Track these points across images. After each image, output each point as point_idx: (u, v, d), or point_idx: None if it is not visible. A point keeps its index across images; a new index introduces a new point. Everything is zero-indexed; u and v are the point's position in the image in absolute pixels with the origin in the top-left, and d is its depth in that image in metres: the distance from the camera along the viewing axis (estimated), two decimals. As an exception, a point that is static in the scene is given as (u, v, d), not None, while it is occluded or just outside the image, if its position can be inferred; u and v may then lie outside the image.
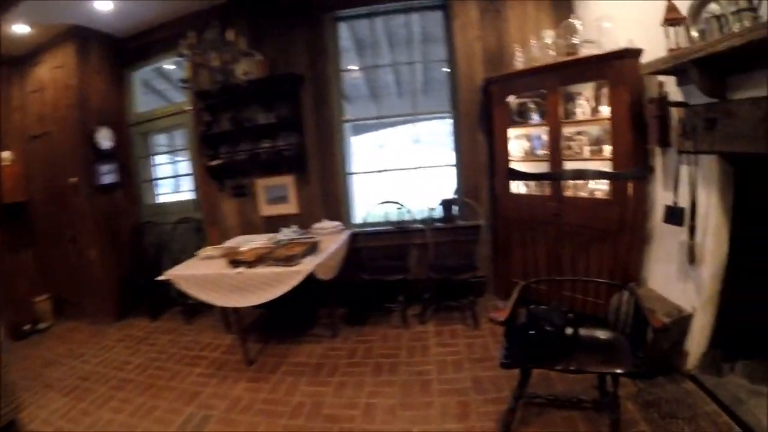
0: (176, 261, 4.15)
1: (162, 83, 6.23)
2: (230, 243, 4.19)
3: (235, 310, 3.57)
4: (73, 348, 4.54)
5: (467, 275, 3.85)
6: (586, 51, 3.50)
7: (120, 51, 5.24)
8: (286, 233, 4.06)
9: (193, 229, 4.96)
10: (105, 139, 5.00)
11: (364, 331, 3.93)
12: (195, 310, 4.66)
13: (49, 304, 5.54)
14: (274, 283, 3.27)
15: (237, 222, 4.77)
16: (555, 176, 3.02)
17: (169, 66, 5.39)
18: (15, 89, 5.44)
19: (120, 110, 5.36)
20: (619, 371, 1.98)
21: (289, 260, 3.34)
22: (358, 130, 4.71)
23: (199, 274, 3.41)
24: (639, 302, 2.07)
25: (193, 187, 5.08)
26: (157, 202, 5.52)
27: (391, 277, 3.91)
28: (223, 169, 4.65)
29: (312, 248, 3.59)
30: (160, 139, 5.67)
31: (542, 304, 2.35)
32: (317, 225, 4.26)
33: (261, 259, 3.39)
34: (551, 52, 3.76)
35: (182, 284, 3.45)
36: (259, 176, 4.61)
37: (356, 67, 5.22)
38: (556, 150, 3.58)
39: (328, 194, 4.53)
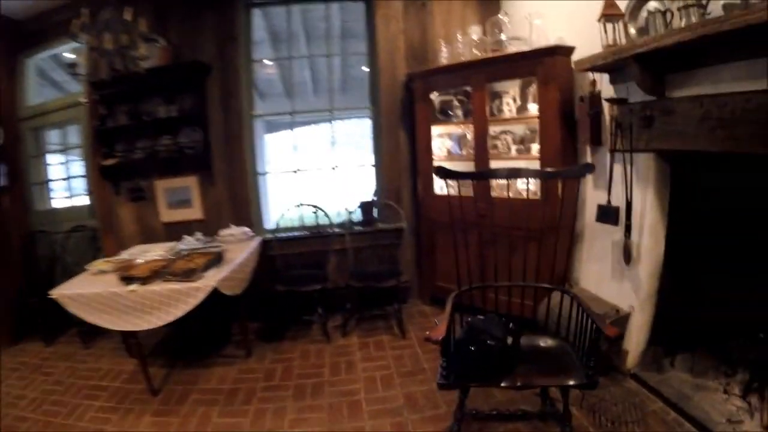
0: (70, 275, 3.66)
1: (60, 73, 5.63)
2: (126, 254, 3.70)
3: (133, 333, 3.11)
4: None
5: (391, 282, 3.60)
6: (514, 48, 3.42)
7: (14, 34, 4.62)
8: (189, 242, 3.67)
9: (89, 239, 4.44)
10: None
11: (281, 348, 3.62)
12: (94, 331, 3.98)
13: None
14: (172, 302, 2.86)
15: (135, 229, 4.29)
16: (489, 175, 2.82)
17: (67, 53, 4.79)
18: None
19: (10, 102, 4.72)
20: (571, 383, 1.81)
21: (188, 275, 2.93)
22: (272, 128, 4.41)
23: (88, 293, 2.93)
24: (584, 307, 1.90)
25: (87, 190, 4.56)
26: (50, 207, 4.94)
27: (308, 288, 3.59)
28: (119, 170, 4.17)
29: (216, 259, 3.23)
30: (53, 136, 5.08)
31: (476, 310, 2.17)
32: (224, 232, 3.89)
33: (157, 273, 2.97)
34: (476, 51, 3.64)
35: (70, 305, 2.98)
36: (159, 177, 4.17)
37: (270, 60, 4.82)
38: (482, 149, 3.49)
39: (237, 197, 4.16)
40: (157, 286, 2.90)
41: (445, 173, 2.34)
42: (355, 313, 3.91)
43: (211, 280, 2.92)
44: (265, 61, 4.76)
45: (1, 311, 4.56)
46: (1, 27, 4.64)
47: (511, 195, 3.12)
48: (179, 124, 4.02)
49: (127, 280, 2.93)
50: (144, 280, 2.92)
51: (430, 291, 4.03)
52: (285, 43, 4.68)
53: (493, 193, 3.53)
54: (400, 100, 4.04)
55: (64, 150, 5.03)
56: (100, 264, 3.41)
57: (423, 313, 4.06)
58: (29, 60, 4.86)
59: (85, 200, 4.63)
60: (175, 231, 4.11)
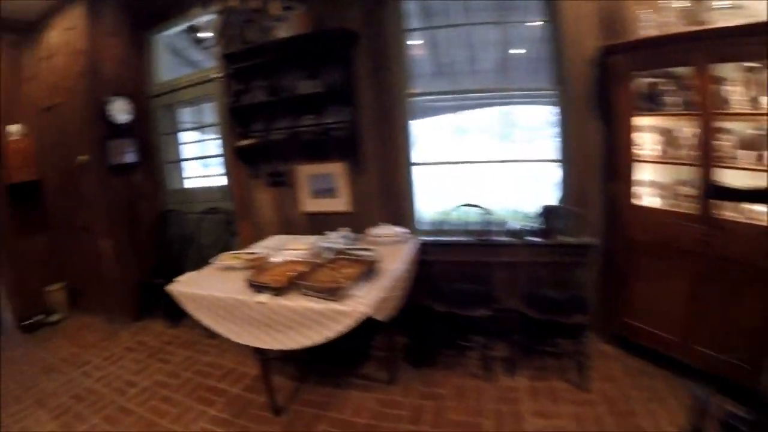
0: (203, 258, 3.56)
1: (192, 50, 5.52)
2: (260, 247, 3.43)
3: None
4: (78, 352, 4.18)
5: (577, 317, 2.82)
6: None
7: (142, 9, 4.58)
8: (333, 239, 3.24)
9: (223, 222, 4.33)
10: (120, 111, 4.44)
11: (432, 379, 3.10)
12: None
13: (64, 295, 5.25)
14: (310, 324, 2.35)
15: (273, 217, 4.07)
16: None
17: (197, 24, 4.62)
18: (27, 57, 5.04)
19: (139, 79, 4.76)
20: None
21: (333, 293, 2.33)
22: (421, 113, 3.82)
23: (209, 295, 2.57)
24: None
25: (223, 171, 4.38)
26: (182, 187, 4.94)
27: (472, 312, 2.95)
28: (257, 151, 3.94)
29: (369, 270, 2.64)
30: (187, 114, 4.97)
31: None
32: (376, 230, 3.40)
33: (293, 284, 2.47)
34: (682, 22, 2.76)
35: (187, 305, 2.69)
36: (301, 161, 3.85)
37: (421, 30, 3.84)
38: (707, 151, 2.60)
39: (389, 189, 3.67)
40: (293, 302, 2.38)
41: (723, 192, 1.69)
42: (524, 347, 3.26)
43: (362, 303, 2.30)
44: (415, 40, 3.82)
45: (128, 286, 4.72)
46: (125, 2, 4.60)
47: (741, 218, 2.46)
48: (324, 102, 3.59)
49: (257, 287, 2.50)
50: (277, 291, 2.42)
51: (615, 327, 3.22)
52: (439, 15, 3.82)
53: (718, 214, 2.63)
54: (590, 81, 3.17)
55: (198, 128, 4.92)
56: (228, 258, 3.08)
57: (604, 354, 3.23)
58: (158, 36, 4.76)
59: (220, 181, 4.46)
60: (316, 222, 3.84)
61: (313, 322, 2.30)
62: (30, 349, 4.46)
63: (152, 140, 4.88)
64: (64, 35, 4.53)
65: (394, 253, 3.04)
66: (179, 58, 5.15)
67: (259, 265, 2.83)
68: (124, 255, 4.62)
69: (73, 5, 4.37)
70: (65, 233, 5.07)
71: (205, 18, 4.23)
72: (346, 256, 2.83)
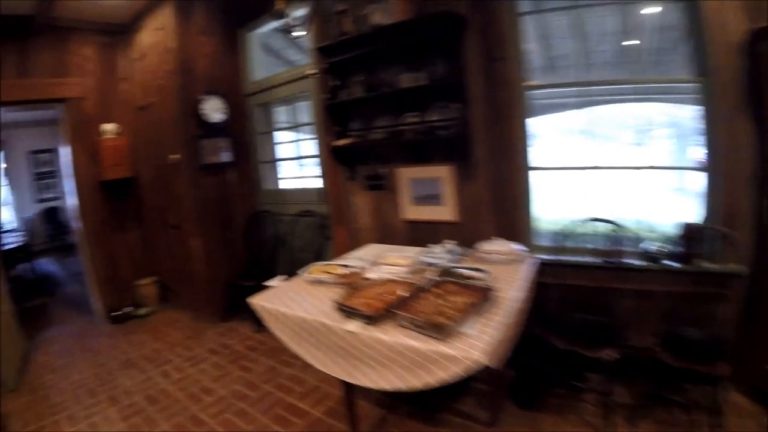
0: (294, 262, 3.64)
1: (288, 48, 5.64)
2: (354, 259, 3.21)
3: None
4: (161, 350, 4.47)
5: (721, 368, 2.42)
6: None
7: (233, 8, 4.83)
8: (438, 254, 3.01)
9: (317, 226, 4.39)
10: (214, 110, 4.61)
11: (539, 424, 2.82)
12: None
13: (154, 289, 5.71)
14: (408, 365, 1.99)
15: (370, 224, 4.03)
16: None
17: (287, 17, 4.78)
18: (121, 58, 5.50)
19: (233, 78, 4.97)
20: None
21: (440, 330, 1.95)
22: (542, 110, 3.45)
23: (294, 315, 2.40)
24: None
25: (319, 172, 4.43)
26: (277, 187, 5.11)
27: (598, 353, 2.62)
28: (355, 152, 3.92)
29: (483, 300, 2.23)
30: (283, 113, 5.10)
31: None
32: (487, 246, 3.06)
33: (391, 312, 2.17)
34: None
35: (270, 323, 2.56)
36: (402, 164, 3.75)
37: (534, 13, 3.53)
38: None
39: (503, 197, 3.37)
40: (389, 336, 2.04)
41: None
42: (649, 394, 2.91)
43: (476, 348, 1.87)
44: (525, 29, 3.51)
45: (217, 286, 4.98)
46: (218, 1, 4.81)
47: None
48: (428, 98, 3.44)
49: (347, 312, 2.23)
50: (370, 320, 2.14)
51: (756, 377, 2.77)
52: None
53: None
54: (737, 73, 2.70)
55: (293, 127, 4.97)
56: (318, 271, 2.89)
57: (738, 409, 2.75)
58: (252, 33, 4.94)
59: (316, 183, 4.52)
60: (418, 232, 3.73)
61: (412, 363, 1.98)
62: (114, 341, 4.87)
63: (247, 139, 5.05)
64: (154, 35, 4.80)
65: (509, 275, 2.67)
66: (273, 56, 5.34)
67: (351, 283, 2.61)
68: (214, 254, 4.86)
69: (161, 5, 4.61)
70: (157, 230, 5.46)
71: (295, 11, 4.31)
72: (455, 279, 2.52)
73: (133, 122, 5.54)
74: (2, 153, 10.79)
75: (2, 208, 10.71)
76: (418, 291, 2.38)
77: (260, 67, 5.05)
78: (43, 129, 8.76)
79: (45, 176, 11.34)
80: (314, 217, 4.44)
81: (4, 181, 11.04)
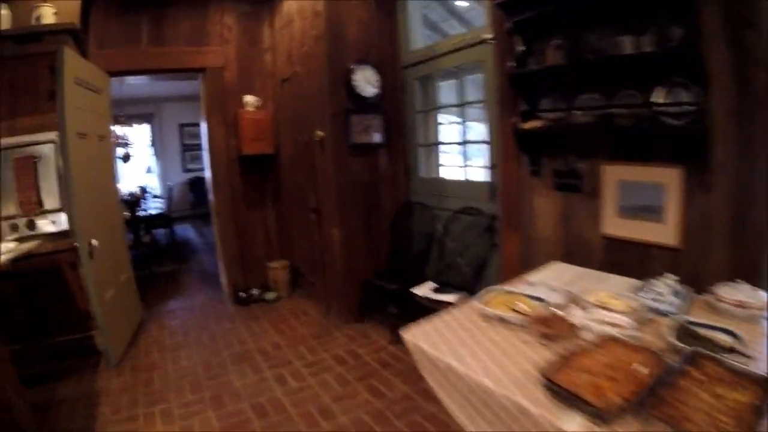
0: (448, 268, 2.95)
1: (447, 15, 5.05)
2: (544, 281, 2.41)
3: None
4: (282, 346, 4.06)
5: None
6: None
7: None
8: (664, 297, 2.06)
9: (481, 227, 3.61)
10: (366, 82, 4.05)
11: None
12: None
13: (285, 274, 5.36)
14: None
15: (555, 234, 3.13)
16: None
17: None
18: (265, 28, 5.24)
19: (388, 46, 4.37)
20: None
21: None
22: None
23: (470, 376, 1.61)
24: None
25: (489, 162, 3.63)
26: (435, 176, 4.39)
27: None
28: (544, 138, 3.04)
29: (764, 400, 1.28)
30: (447, 88, 4.31)
31: None
32: (727, 292, 2.00)
33: (637, 408, 1.27)
34: None
35: (427, 370, 1.88)
36: (609, 159, 2.80)
37: None
38: None
39: (749, 221, 2.31)
40: None
41: None
42: None
43: None
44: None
45: (354, 281, 4.40)
46: None
47: None
48: (655, 71, 2.47)
49: (564, 396, 1.37)
50: (602, 418, 1.26)
51: None
52: None
53: None
54: None
55: (459, 105, 4.15)
56: (498, 303, 2.08)
57: None
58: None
59: (484, 175, 3.76)
60: (619, 254, 2.78)
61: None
62: (234, 325, 4.63)
63: (401, 118, 4.42)
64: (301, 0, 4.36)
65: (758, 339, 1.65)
66: (431, 29, 4.69)
67: (553, 334, 1.77)
68: (354, 246, 4.34)
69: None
70: (295, 212, 5.09)
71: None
72: (712, 354, 1.50)
73: (275, 95, 5.23)
74: (152, 124, 12.02)
75: (150, 175, 11.73)
76: (667, 372, 1.44)
77: (419, 36, 4.39)
78: (192, 103, 9.12)
79: (192, 148, 12.31)
80: (479, 216, 3.66)
81: (152, 150, 12.24)
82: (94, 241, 3.85)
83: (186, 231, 10.62)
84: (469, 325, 1.97)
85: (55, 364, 4.10)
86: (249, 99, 5.03)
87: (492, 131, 3.50)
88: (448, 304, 3.28)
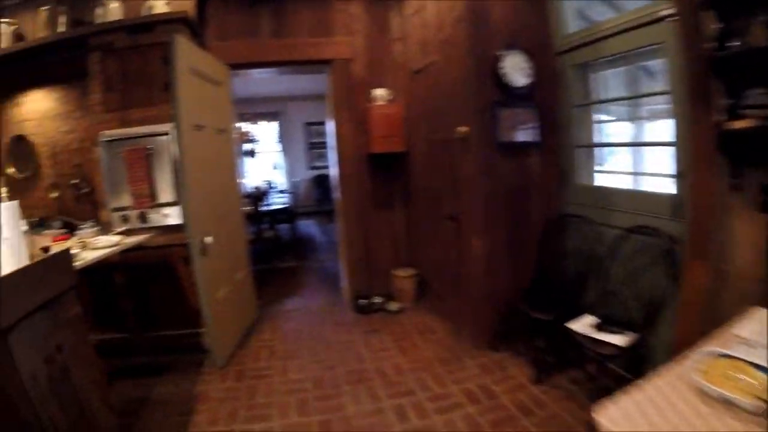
0: (609, 298, 2.31)
1: None
2: (751, 336, 1.76)
3: None
4: (404, 369, 3.64)
5: None
6: None
7: None
8: None
9: (658, 252, 2.90)
10: (516, 69, 3.49)
11: None
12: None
13: (412, 284, 4.95)
14: None
15: (756, 267, 2.35)
16: None
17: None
18: (394, 16, 4.90)
19: (539, 28, 3.76)
20: None
21: None
22: None
23: None
24: None
25: (674, 170, 2.88)
26: (597, 184, 3.69)
27: None
28: (750, 143, 2.33)
29: None
30: (611, 78, 3.64)
31: None
32: None
33: None
34: None
35: None
36: None
37: None
38: None
39: None
40: None
41: None
42: None
43: None
44: None
45: (492, 303, 3.82)
46: None
47: None
48: None
49: None
50: None
51: None
52: None
53: None
54: None
55: (631, 98, 3.48)
56: (715, 371, 1.50)
57: None
58: None
59: (665, 186, 3.04)
60: None
61: None
62: (352, 336, 4.30)
63: (556, 113, 3.80)
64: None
65: None
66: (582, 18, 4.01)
67: None
68: (496, 261, 3.76)
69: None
70: (427, 217, 4.66)
71: None
72: None
73: (407, 88, 4.84)
74: (279, 122, 12.68)
75: (276, 171, 12.17)
76: None
77: (574, 18, 3.74)
78: (318, 103, 9.29)
79: (318, 146, 12.81)
80: (655, 238, 2.93)
81: (279, 146, 12.82)
82: (208, 239, 3.74)
83: (309, 227, 10.67)
84: (682, 408, 1.39)
85: (159, 358, 4.09)
86: (379, 92, 4.69)
87: (679, 131, 2.79)
88: (614, 347, 2.68)
